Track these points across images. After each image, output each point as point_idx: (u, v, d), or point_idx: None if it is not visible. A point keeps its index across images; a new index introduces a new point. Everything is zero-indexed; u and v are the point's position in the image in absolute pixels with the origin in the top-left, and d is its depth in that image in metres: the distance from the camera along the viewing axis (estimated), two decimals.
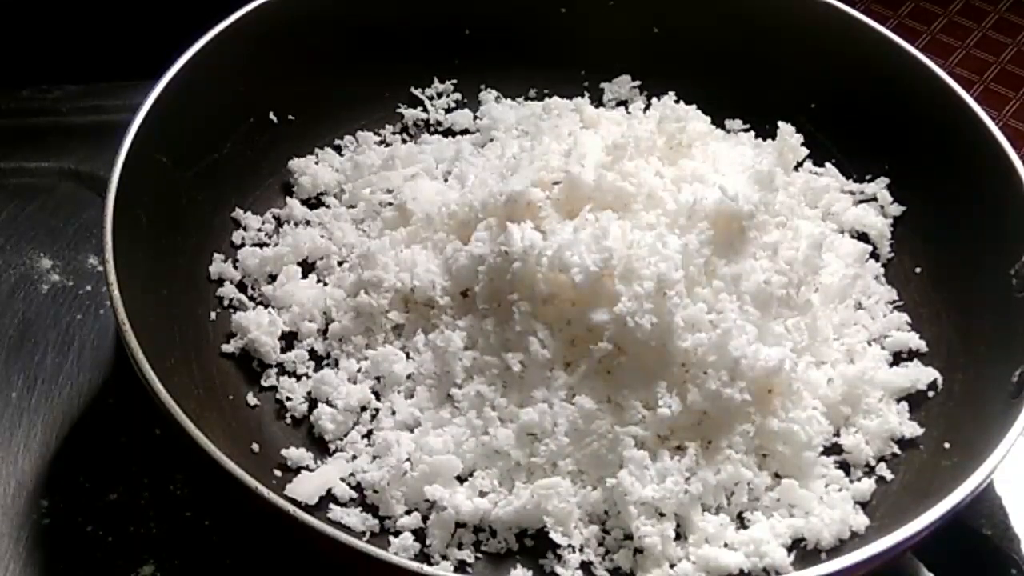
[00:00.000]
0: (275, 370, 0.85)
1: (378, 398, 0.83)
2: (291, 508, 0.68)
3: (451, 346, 0.81)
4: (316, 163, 0.99)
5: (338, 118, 1.02)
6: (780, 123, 0.97)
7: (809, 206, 0.95)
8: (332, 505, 0.77)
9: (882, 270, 0.93)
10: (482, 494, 0.77)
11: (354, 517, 0.76)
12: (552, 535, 0.75)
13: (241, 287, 0.90)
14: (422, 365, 0.83)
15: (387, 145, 1.02)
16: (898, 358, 0.87)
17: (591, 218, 0.81)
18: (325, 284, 0.89)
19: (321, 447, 0.81)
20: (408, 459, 0.77)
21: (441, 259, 0.86)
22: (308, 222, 0.95)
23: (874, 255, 0.94)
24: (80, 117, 1.07)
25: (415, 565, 0.67)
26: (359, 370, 0.84)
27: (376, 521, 0.76)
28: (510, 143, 0.95)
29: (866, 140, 0.99)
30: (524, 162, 0.87)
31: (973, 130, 0.90)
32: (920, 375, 0.85)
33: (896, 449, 0.81)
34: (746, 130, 1.01)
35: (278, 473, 0.78)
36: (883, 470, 0.80)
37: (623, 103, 1.05)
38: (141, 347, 0.73)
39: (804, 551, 0.75)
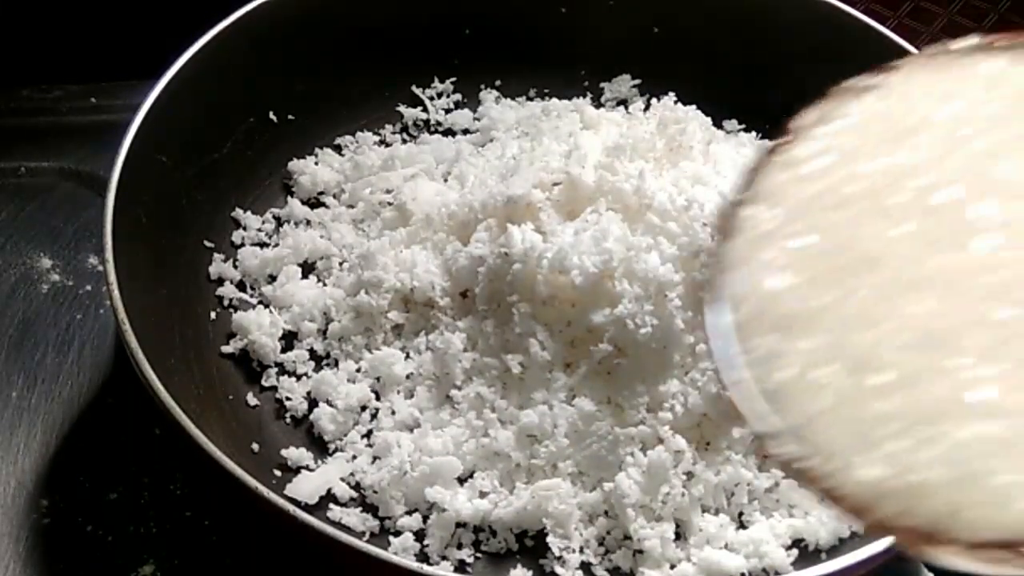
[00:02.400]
0: (275, 370, 0.85)
1: (378, 398, 0.83)
2: (291, 508, 0.68)
3: (451, 347, 0.81)
4: (316, 163, 0.99)
5: (338, 118, 1.02)
6: None
7: None
8: (332, 505, 0.77)
9: None
10: (482, 495, 0.77)
11: (354, 517, 0.76)
12: (551, 539, 0.75)
13: (241, 287, 0.90)
14: (422, 366, 0.83)
15: (387, 145, 1.02)
16: None
17: (591, 219, 0.81)
18: (325, 284, 0.90)
19: (321, 447, 0.81)
20: (408, 460, 0.77)
21: (441, 260, 0.86)
22: (308, 222, 0.95)
23: None
24: (80, 117, 1.07)
25: (415, 565, 0.67)
26: (359, 370, 0.84)
27: (376, 521, 0.76)
28: (510, 143, 0.95)
29: None
30: (524, 163, 0.87)
31: None
32: None
33: None
34: (745, 130, 1.01)
35: (278, 473, 0.78)
36: None
37: (623, 103, 1.06)
38: (141, 347, 0.73)
39: (804, 551, 0.75)
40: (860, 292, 0.44)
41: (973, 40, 0.49)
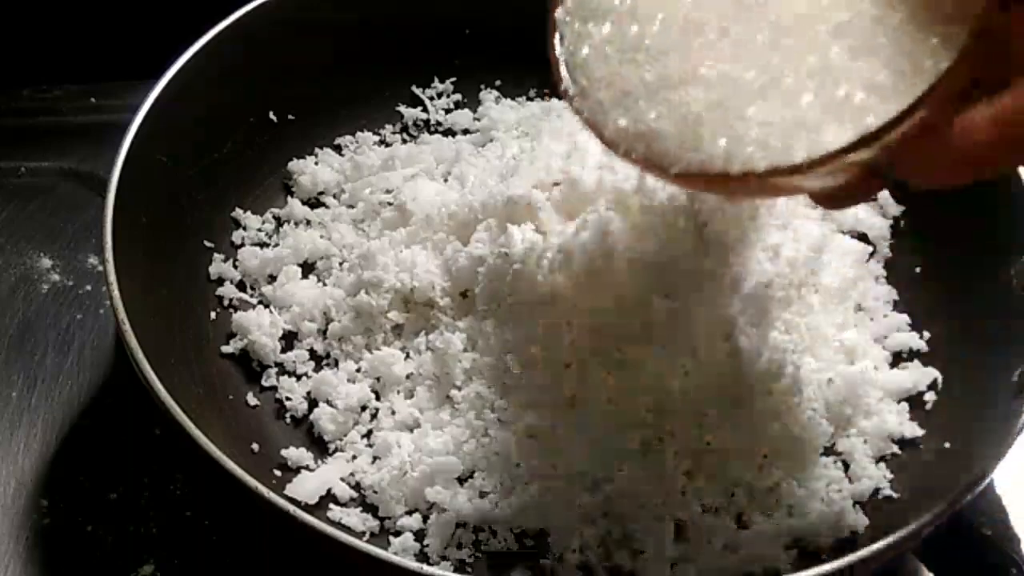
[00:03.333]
0: (275, 370, 0.85)
1: (378, 398, 0.83)
2: (291, 508, 0.68)
3: (451, 347, 0.81)
4: (316, 163, 0.99)
5: (338, 118, 1.02)
6: None
7: (809, 206, 0.95)
8: (332, 505, 0.77)
9: (882, 270, 0.93)
10: (482, 495, 0.77)
11: (354, 517, 0.76)
12: (551, 539, 0.75)
13: (241, 287, 0.90)
14: (421, 366, 0.83)
15: (387, 145, 1.02)
16: (898, 358, 0.87)
17: (592, 219, 0.81)
18: (325, 284, 0.90)
19: (321, 447, 0.81)
20: (408, 460, 0.77)
21: (441, 260, 0.86)
22: (308, 222, 0.95)
23: (874, 255, 0.94)
24: (80, 117, 1.08)
25: (415, 565, 0.67)
26: (359, 370, 0.84)
27: (376, 521, 0.77)
28: (510, 143, 0.95)
29: None
30: (524, 163, 0.87)
31: None
32: (920, 375, 0.84)
33: (896, 449, 0.81)
34: None
35: (278, 473, 0.78)
36: (883, 470, 0.80)
37: None
38: (141, 347, 0.73)
39: (804, 551, 0.75)
40: None
41: None
